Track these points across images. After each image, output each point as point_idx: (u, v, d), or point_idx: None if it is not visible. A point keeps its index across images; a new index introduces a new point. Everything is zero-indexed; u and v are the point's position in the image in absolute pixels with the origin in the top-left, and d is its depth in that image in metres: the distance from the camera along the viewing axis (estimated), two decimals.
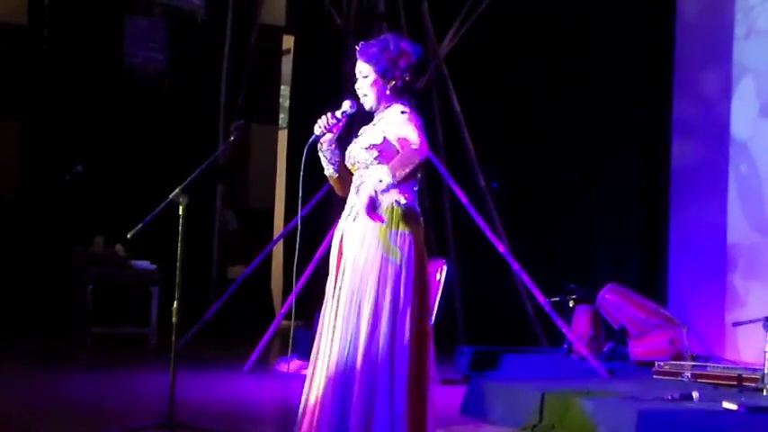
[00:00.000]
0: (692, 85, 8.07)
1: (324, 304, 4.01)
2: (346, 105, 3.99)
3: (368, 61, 3.95)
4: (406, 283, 3.84)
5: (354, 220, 3.93)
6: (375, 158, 3.89)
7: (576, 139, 9.21)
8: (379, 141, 3.89)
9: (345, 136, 4.07)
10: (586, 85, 9.13)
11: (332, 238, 4.08)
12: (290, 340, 4.75)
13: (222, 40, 10.18)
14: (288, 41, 11.38)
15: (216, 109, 10.14)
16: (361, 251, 3.86)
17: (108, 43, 9.75)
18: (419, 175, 3.98)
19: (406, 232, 3.87)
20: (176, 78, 9.98)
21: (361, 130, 4.06)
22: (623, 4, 8.70)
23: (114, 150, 9.54)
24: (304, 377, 4.03)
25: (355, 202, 3.95)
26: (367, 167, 3.92)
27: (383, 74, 3.94)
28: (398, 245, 3.85)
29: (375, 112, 4.01)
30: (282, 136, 11.37)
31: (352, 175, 4.04)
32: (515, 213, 8.96)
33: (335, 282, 3.95)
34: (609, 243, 8.76)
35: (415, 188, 3.98)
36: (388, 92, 3.96)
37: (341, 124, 3.99)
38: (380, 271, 3.83)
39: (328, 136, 3.99)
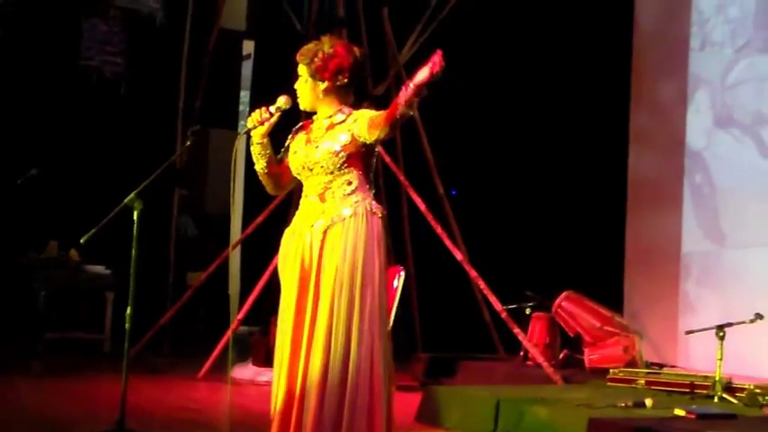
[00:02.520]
0: (648, 95, 8.15)
1: (283, 313, 3.95)
2: (281, 101, 4.01)
3: (303, 62, 3.99)
4: (381, 289, 3.84)
5: (327, 228, 3.86)
6: (344, 162, 3.88)
7: (534, 148, 9.26)
8: (347, 141, 3.88)
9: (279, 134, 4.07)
10: (544, 94, 9.18)
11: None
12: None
13: (181, 44, 10.10)
14: (248, 46, 11.34)
15: (174, 113, 10.07)
16: (343, 261, 3.81)
17: (64, 46, 9.64)
18: (371, 176, 3.97)
19: (377, 239, 3.85)
20: (134, 82, 9.90)
21: (297, 137, 4.03)
22: (581, 14, 8.76)
23: (69, 154, 9.44)
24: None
25: (324, 210, 3.92)
26: (332, 172, 3.89)
27: (313, 74, 3.96)
28: (374, 253, 3.84)
29: (313, 114, 4.02)
30: (241, 141, 11.31)
31: (283, 172, 4.03)
32: (473, 221, 8.98)
33: (304, 289, 3.89)
34: (565, 251, 8.81)
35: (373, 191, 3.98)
36: (320, 94, 3.97)
37: (274, 120, 3.99)
38: (364, 278, 3.80)
39: (260, 129, 3.99)
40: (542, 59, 9.12)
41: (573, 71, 8.89)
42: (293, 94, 4.07)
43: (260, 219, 8.17)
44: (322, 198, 3.90)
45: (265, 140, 4.01)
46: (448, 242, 7.47)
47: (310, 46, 4.02)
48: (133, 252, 4.95)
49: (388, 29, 9.13)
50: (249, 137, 4.04)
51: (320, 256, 3.86)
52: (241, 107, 11.52)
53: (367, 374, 3.77)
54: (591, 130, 8.78)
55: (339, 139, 3.89)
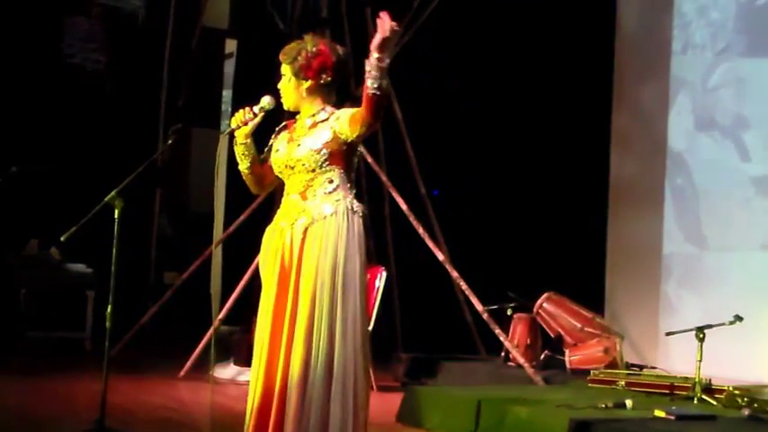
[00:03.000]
0: (630, 98, 8.18)
1: (262, 311, 3.95)
2: (265, 101, 4.01)
3: (286, 61, 4.00)
4: (362, 288, 3.84)
5: (308, 226, 3.86)
6: (326, 160, 3.87)
7: (516, 149, 9.28)
8: (329, 139, 3.88)
9: (262, 134, 4.08)
10: (527, 96, 9.21)
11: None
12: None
13: (163, 43, 10.08)
14: (230, 45, 11.32)
15: (156, 112, 10.04)
16: (324, 259, 3.80)
17: (46, 43, 9.60)
18: (353, 175, 3.97)
19: (358, 238, 3.85)
20: (116, 80, 9.86)
21: (279, 136, 4.04)
22: (563, 16, 8.79)
23: (50, 152, 9.39)
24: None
25: (305, 208, 3.91)
26: (314, 170, 3.89)
27: (296, 73, 3.97)
28: (355, 251, 3.84)
29: (296, 114, 4.02)
30: (224, 140, 11.29)
31: (266, 172, 4.04)
32: (455, 222, 8.99)
33: (284, 287, 3.89)
34: (547, 252, 8.84)
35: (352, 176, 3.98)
36: (304, 93, 3.97)
37: (257, 120, 3.99)
38: (345, 277, 3.80)
39: (244, 129, 4.00)
40: (524, 61, 9.14)
41: (555, 73, 8.91)
42: (276, 94, 4.07)
43: (242, 218, 8.15)
44: (303, 196, 3.90)
45: (249, 141, 4.02)
46: (430, 242, 7.48)
47: (293, 45, 4.03)
48: (114, 251, 4.94)
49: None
50: (233, 137, 4.04)
51: (300, 253, 3.85)
52: (223, 106, 11.50)
53: (351, 374, 3.77)
54: (573, 131, 8.81)
55: (321, 137, 3.89)
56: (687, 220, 7.68)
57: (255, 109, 4.00)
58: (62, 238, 5.04)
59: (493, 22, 9.22)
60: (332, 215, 3.84)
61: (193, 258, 8.35)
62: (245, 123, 3.99)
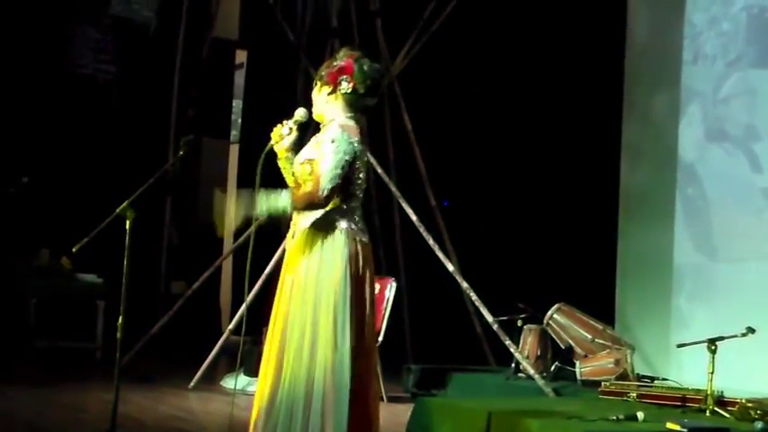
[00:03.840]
0: (641, 108, 8.17)
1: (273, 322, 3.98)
2: (299, 114, 4.04)
3: (317, 71, 4.07)
4: (344, 302, 3.86)
5: (293, 236, 3.91)
6: (309, 173, 3.90)
7: (526, 159, 9.27)
8: (313, 157, 3.92)
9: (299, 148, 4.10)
10: (538, 106, 9.21)
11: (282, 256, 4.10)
12: (239, 356, 4.73)
13: (174, 53, 10.12)
14: (241, 56, 11.35)
15: (167, 122, 10.07)
16: (299, 273, 3.87)
17: (57, 53, 9.64)
18: (359, 194, 3.99)
19: (340, 251, 3.87)
20: (126, 90, 9.89)
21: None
22: (574, 26, 8.79)
23: (61, 162, 9.43)
24: (250, 394, 4.02)
25: (296, 220, 3.95)
26: (305, 181, 3.92)
27: (324, 84, 4.02)
28: (337, 264, 3.86)
29: (321, 123, 4.06)
30: (234, 150, 11.33)
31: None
32: (465, 232, 8.98)
33: (283, 299, 3.93)
34: (557, 263, 8.82)
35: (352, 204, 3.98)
36: (326, 102, 4.00)
37: (294, 134, 4.00)
38: (320, 290, 3.84)
39: (284, 145, 4.00)
40: (536, 72, 9.14)
41: (566, 84, 8.91)
42: (301, 105, 4.11)
43: (252, 228, 8.14)
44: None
45: (290, 154, 4.03)
46: (439, 253, 7.47)
47: (330, 57, 4.13)
48: (125, 261, 4.94)
49: (382, 40, 9.14)
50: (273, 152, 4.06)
51: (291, 265, 3.93)
52: (233, 116, 11.53)
53: (318, 396, 3.79)
54: (583, 142, 8.80)
55: (311, 153, 3.94)
56: (698, 231, 7.65)
57: (291, 123, 4.00)
58: (73, 250, 5.04)
59: (504, 33, 9.23)
60: (309, 228, 3.88)
61: (202, 269, 8.36)
62: (282, 139, 4.01)
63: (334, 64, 4.01)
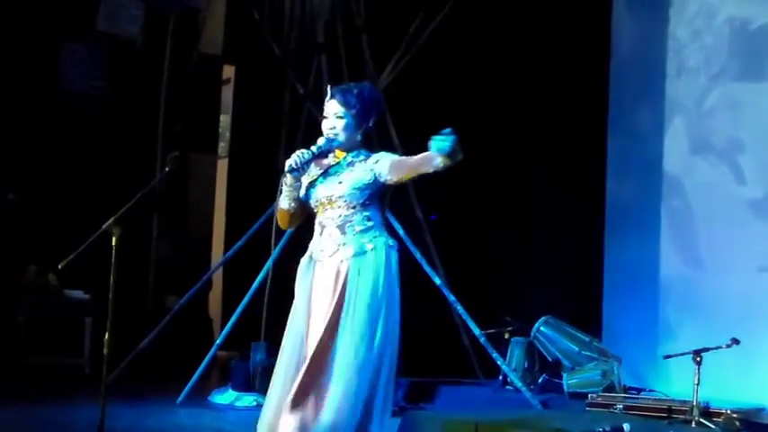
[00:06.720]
0: (625, 121, 8.21)
1: (297, 339, 4.08)
2: (321, 141, 4.12)
3: (345, 104, 4.15)
4: (398, 317, 4.14)
5: (351, 258, 4.06)
6: (366, 199, 4.08)
7: (513, 173, 9.31)
8: (370, 180, 4.09)
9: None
10: (522, 119, 9.25)
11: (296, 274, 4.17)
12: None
13: (161, 69, 10.13)
14: (228, 71, 11.37)
15: (154, 137, 10.07)
16: (365, 289, 4.03)
17: (44, 69, 9.64)
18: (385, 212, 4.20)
19: (395, 271, 4.11)
20: (114, 106, 9.89)
21: (315, 170, 4.18)
22: (559, 40, 8.84)
23: (48, 178, 9.41)
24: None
25: (345, 241, 4.07)
26: (354, 207, 4.07)
27: (359, 119, 4.16)
28: (394, 283, 4.10)
29: (345, 153, 4.17)
30: (222, 165, 11.34)
31: (301, 210, 4.16)
32: (452, 246, 9.01)
33: (319, 314, 4.04)
34: (544, 276, 8.85)
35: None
36: (359, 137, 4.18)
37: (312, 160, 4.09)
38: (387, 307, 4.07)
39: (302, 172, 4.12)
40: (520, 85, 9.18)
41: (550, 97, 8.95)
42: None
43: (240, 243, 8.17)
44: (342, 230, 4.08)
45: (298, 183, 4.16)
46: (427, 267, 7.49)
47: (351, 88, 4.22)
48: (111, 278, 4.95)
49: (368, 54, 9.18)
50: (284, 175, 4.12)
51: (344, 283, 4.04)
52: (220, 131, 11.54)
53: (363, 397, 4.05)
54: (568, 155, 8.84)
55: (363, 178, 4.10)
56: (683, 243, 7.70)
57: (313, 149, 4.10)
58: (60, 266, 5.05)
59: (489, 47, 9.27)
60: (372, 250, 4.06)
61: (192, 283, 8.36)
62: (302, 165, 4.07)
63: (365, 101, 4.16)
